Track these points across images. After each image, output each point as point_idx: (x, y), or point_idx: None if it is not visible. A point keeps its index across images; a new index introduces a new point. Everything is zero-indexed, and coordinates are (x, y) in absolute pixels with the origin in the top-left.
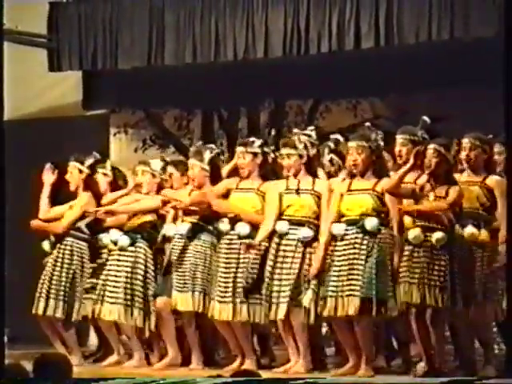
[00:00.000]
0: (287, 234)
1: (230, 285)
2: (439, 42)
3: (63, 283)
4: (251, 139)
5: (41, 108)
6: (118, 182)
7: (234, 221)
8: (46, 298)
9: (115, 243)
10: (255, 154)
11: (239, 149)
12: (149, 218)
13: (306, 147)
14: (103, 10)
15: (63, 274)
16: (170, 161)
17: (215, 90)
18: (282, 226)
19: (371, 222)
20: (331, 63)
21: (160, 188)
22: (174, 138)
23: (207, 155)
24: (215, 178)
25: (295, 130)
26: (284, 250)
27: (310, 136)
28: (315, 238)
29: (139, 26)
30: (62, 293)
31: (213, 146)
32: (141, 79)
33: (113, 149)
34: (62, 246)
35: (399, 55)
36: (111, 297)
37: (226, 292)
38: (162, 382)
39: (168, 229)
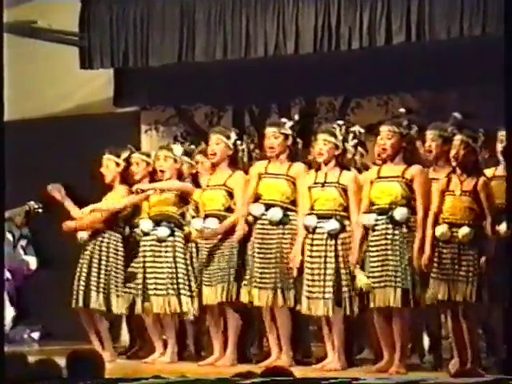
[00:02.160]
0: (316, 228)
1: (268, 270)
2: (470, 37)
3: (102, 276)
4: (283, 120)
5: (72, 106)
6: (157, 172)
7: (268, 205)
8: (86, 290)
9: (147, 234)
10: (286, 136)
11: (270, 129)
12: (176, 207)
13: (344, 140)
14: (134, 7)
15: (102, 267)
16: (200, 149)
17: (246, 86)
18: (311, 221)
19: (400, 212)
20: (362, 59)
21: (181, 173)
22: (205, 135)
23: (233, 135)
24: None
25: (339, 122)
26: (316, 245)
27: (351, 131)
28: (344, 231)
29: (170, 24)
30: (102, 285)
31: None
32: (171, 76)
33: (144, 146)
34: (100, 239)
35: (431, 51)
36: (159, 289)
37: (264, 278)
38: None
39: (195, 222)
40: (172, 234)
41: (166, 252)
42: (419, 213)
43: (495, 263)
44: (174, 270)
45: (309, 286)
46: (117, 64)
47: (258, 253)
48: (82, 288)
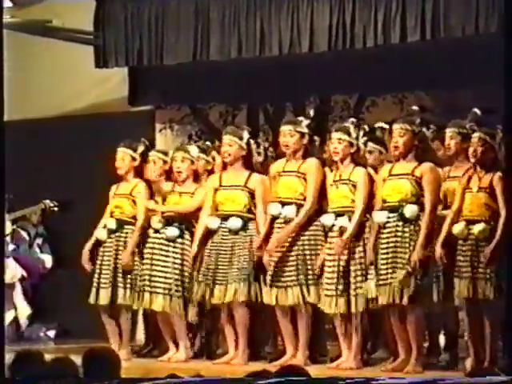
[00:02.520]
0: (334, 225)
1: (287, 269)
2: (485, 35)
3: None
4: (299, 118)
5: (87, 104)
6: (173, 170)
7: (284, 204)
8: (112, 287)
9: (157, 231)
10: (302, 134)
11: (286, 127)
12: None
13: (358, 137)
14: (149, 6)
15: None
16: (214, 146)
17: (260, 85)
18: (328, 219)
19: (410, 210)
20: (377, 58)
21: (197, 174)
22: (220, 134)
23: (245, 135)
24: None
25: (352, 119)
26: (331, 242)
27: (364, 129)
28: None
29: (184, 22)
30: (128, 281)
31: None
32: (186, 75)
33: (158, 145)
34: (123, 235)
35: (445, 48)
36: (163, 288)
37: (282, 277)
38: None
39: (211, 221)
40: (181, 236)
41: (174, 253)
42: (426, 209)
43: None
44: (179, 272)
45: (326, 283)
46: (131, 63)
47: (276, 252)
48: (106, 285)
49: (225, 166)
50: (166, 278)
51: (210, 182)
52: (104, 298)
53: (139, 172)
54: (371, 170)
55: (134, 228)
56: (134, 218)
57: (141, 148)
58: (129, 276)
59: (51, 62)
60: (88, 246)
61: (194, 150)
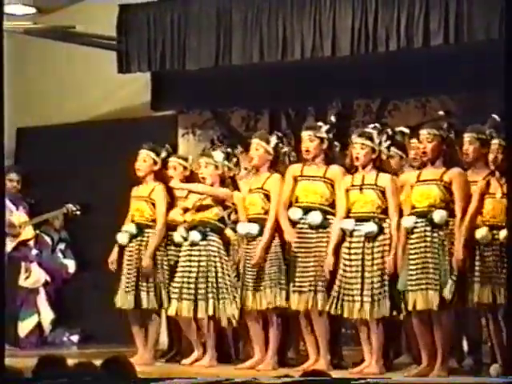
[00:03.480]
0: (354, 231)
1: (307, 274)
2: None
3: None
4: (319, 124)
5: (110, 109)
6: (195, 176)
7: (306, 209)
8: (138, 291)
9: (185, 239)
10: (322, 140)
11: (306, 132)
12: (215, 210)
13: (380, 143)
14: (171, 11)
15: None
16: (234, 152)
17: (282, 89)
18: (349, 224)
19: (439, 215)
20: (399, 61)
21: (222, 180)
22: (242, 138)
23: (273, 140)
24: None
25: (375, 124)
26: (354, 248)
27: (387, 133)
28: (382, 233)
29: (207, 27)
30: (151, 285)
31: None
32: (208, 80)
33: (181, 149)
34: (145, 239)
35: (469, 52)
36: (188, 293)
37: (303, 282)
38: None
39: (240, 227)
40: (204, 238)
41: (200, 256)
42: (458, 215)
43: None
44: (205, 275)
45: (347, 289)
46: (154, 67)
47: (296, 257)
48: (129, 289)
49: (257, 171)
50: (192, 282)
51: (243, 187)
52: (129, 302)
53: (159, 177)
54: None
55: (154, 231)
56: (154, 221)
57: (164, 153)
58: (151, 280)
59: (73, 68)
60: (115, 248)
61: (218, 155)
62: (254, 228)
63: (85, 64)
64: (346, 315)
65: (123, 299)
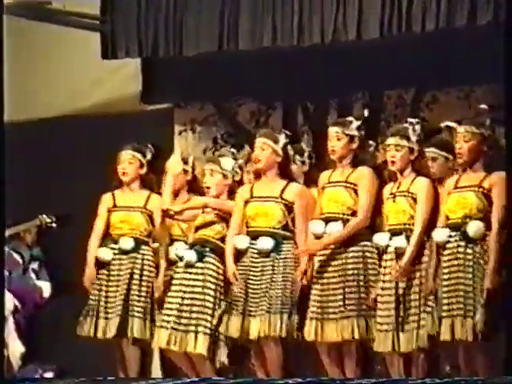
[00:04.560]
0: (388, 246)
1: (333, 298)
2: None
3: (142, 298)
4: (348, 119)
5: (93, 102)
6: (198, 181)
7: (328, 220)
8: (127, 317)
9: (181, 258)
10: (351, 138)
11: (333, 129)
12: (218, 228)
13: (418, 141)
14: None
15: (143, 288)
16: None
17: (299, 79)
18: (382, 239)
19: (474, 227)
20: (438, 44)
21: (231, 191)
22: (250, 137)
23: (282, 139)
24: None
25: (410, 119)
26: (388, 267)
27: (425, 130)
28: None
29: (209, 5)
30: (141, 309)
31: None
32: (210, 68)
33: (177, 149)
34: (139, 256)
35: None
36: (178, 323)
37: (328, 308)
38: None
39: (239, 241)
40: (201, 260)
41: (195, 280)
42: (494, 228)
43: None
44: (201, 303)
45: (380, 316)
46: (145, 53)
47: (318, 278)
48: (113, 314)
49: (258, 176)
50: (183, 311)
51: (239, 194)
52: (110, 329)
53: (147, 183)
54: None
55: (150, 249)
56: (149, 235)
57: (149, 154)
58: (140, 305)
59: (48, 52)
60: (91, 264)
61: (227, 162)
62: (268, 243)
63: (63, 48)
64: (376, 348)
65: (102, 326)
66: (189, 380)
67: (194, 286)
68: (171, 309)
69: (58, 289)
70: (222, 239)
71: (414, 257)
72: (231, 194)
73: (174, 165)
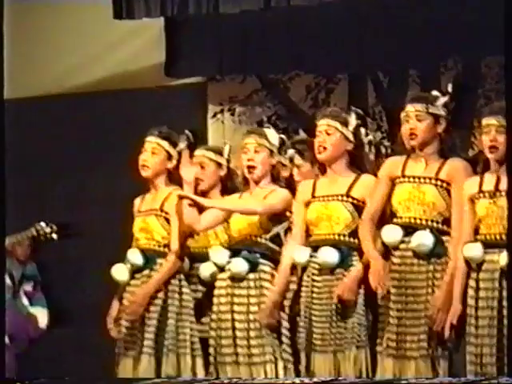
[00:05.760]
0: (484, 262)
1: (415, 330)
2: None
3: (171, 330)
4: (434, 93)
5: (105, 76)
6: (234, 178)
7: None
8: (157, 354)
9: (222, 269)
10: (437, 118)
11: (412, 107)
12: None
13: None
14: None
15: (172, 315)
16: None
17: (368, 44)
18: (476, 251)
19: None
20: None
21: (275, 175)
22: (306, 119)
23: (352, 120)
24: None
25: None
26: (484, 289)
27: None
28: None
29: None
30: (171, 343)
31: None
32: (255, 30)
33: (211, 136)
34: (154, 274)
35: None
36: (241, 354)
37: (406, 342)
38: None
39: (298, 253)
40: (253, 269)
41: (248, 297)
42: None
43: None
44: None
45: (476, 345)
46: (170, 11)
47: (395, 302)
48: (149, 351)
49: (322, 169)
50: (243, 338)
51: (300, 192)
52: (143, 368)
53: (175, 179)
54: None
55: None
56: (169, 246)
57: (183, 143)
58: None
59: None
60: (116, 302)
61: (273, 135)
62: (331, 255)
63: (60, 11)
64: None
65: (125, 366)
66: (189, 379)
67: (249, 304)
68: (221, 337)
69: (58, 318)
70: (274, 240)
71: None
72: (277, 177)
73: (184, 171)
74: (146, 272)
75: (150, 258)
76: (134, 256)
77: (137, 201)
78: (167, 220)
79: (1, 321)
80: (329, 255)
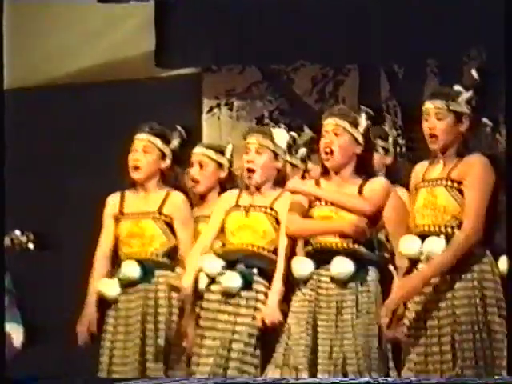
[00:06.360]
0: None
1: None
2: None
3: (161, 338)
4: (455, 87)
5: (85, 67)
6: (234, 179)
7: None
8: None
9: (213, 280)
10: (459, 116)
11: (431, 103)
12: (271, 231)
13: None
14: None
15: (160, 324)
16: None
17: (380, 32)
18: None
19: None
20: None
21: (283, 178)
22: (312, 115)
23: (363, 120)
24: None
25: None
26: None
27: None
28: None
29: None
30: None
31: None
32: (254, 16)
33: (206, 133)
34: (153, 287)
35: None
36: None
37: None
38: None
39: (299, 264)
40: (249, 286)
41: (239, 316)
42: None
43: None
44: (250, 350)
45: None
46: None
47: (414, 329)
48: (137, 358)
49: (326, 171)
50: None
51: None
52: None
53: (169, 180)
54: None
55: (168, 274)
56: (170, 256)
57: (176, 141)
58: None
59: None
60: (92, 302)
61: (281, 136)
62: (346, 266)
63: None
64: None
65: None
66: (189, 380)
67: (237, 323)
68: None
69: (35, 335)
70: (275, 251)
71: None
72: (281, 182)
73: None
74: (143, 287)
75: (148, 269)
76: (130, 268)
77: (113, 199)
78: (168, 224)
79: (1, 321)
80: (343, 266)
